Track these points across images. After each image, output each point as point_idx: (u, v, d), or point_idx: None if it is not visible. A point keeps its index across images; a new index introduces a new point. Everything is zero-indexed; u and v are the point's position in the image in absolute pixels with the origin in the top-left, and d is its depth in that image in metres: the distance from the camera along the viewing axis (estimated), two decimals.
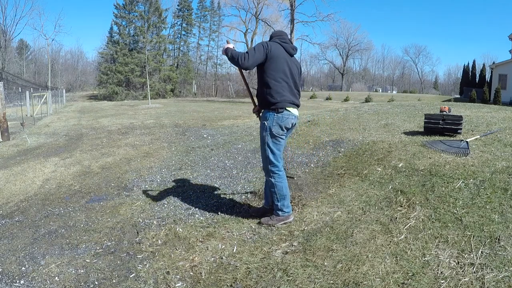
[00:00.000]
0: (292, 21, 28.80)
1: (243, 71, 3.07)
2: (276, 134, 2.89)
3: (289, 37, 3.14)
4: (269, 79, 2.84)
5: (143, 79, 38.06)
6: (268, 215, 3.09)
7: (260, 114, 3.06)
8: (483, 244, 2.31)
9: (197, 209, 3.52)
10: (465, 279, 2.03)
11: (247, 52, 2.75)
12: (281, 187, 2.95)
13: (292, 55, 2.99)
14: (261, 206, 3.38)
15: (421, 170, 3.62)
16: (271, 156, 2.93)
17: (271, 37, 3.05)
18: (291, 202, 3.32)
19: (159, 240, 2.87)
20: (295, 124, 3.03)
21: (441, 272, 2.11)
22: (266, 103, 2.88)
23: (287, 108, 2.88)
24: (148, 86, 27.29)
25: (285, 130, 2.95)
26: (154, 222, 3.24)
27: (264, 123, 2.91)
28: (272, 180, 2.95)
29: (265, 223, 2.99)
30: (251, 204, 3.54)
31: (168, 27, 46.81)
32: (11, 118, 11.84)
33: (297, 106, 2.99)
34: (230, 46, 2.90)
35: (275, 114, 2.86)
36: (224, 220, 3.22)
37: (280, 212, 2.97)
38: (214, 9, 51.66)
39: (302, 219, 3.04)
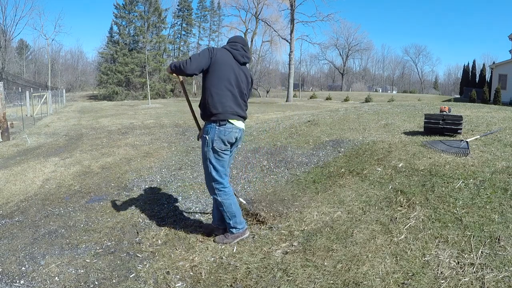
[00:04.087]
0: (292, 21, 28.76)
1: (187, 92, 2.77)
2: (218, 150, 2.65)
3: (249, 43, 2.88)
4: (211, 87, 2.62)
5: (143, 79, 38.07)
6: (221, 233, 2.86)
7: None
8: (483, 244, 2.31)
9: (197, 209, 3.53)
10: (465, 279, 2.03)
11: (190, 57, 2.59)
12: (229, 204, 2.72)
13: (242, 63, 2.75)
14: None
15: (421, 170, 3.61)
16: (214, 173, 2.69)
17: (227, 42, 2.87)
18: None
19: (159, 240, 2.87)
20: (241, 137, 2.80)
21: (441, 272, 2.11)
22: (207, 113, 2.64)
23: (229, 121, 2.63)
24: (148, 86, 27.29)
25: (228, 145, 2.70)
26: (154, 222, 3.24)
27: (206, 137, 2.66)
28: (218, 198, 2.71)
29: (220, 242, 2.77)
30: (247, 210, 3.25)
31: (168, 27, 46.92)
32: (11, 118, 11.84)
33: (242, 118, 2.74)
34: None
35: (217, 127, 2.62)
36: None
37: (234, 230, 2.77)
38: (214, 9, 51.79)
39: (302, 219, 3.04)
